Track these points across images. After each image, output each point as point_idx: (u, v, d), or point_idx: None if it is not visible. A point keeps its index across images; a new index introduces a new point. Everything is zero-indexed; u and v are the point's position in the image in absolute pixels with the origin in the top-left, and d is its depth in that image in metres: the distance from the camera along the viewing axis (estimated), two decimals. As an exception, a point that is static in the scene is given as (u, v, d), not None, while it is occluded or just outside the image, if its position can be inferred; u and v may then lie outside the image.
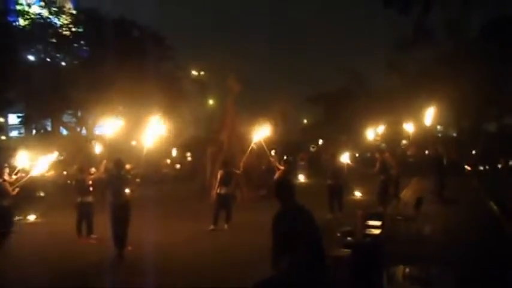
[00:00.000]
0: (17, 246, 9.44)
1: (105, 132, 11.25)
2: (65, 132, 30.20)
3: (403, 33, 27.83)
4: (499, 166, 23.27)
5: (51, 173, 20.38)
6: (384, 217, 7.23)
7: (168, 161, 28.13)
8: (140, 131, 9.72)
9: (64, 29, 25.85)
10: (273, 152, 14.23)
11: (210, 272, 6.83)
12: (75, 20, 26.28)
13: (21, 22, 25.42)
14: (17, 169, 11.92)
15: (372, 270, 4.72)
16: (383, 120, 18.13)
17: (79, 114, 27.19)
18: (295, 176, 19.26)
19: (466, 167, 21.60)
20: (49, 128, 29.23)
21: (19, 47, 24.07)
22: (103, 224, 8.30)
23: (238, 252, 7.85)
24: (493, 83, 26.46)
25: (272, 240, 3.86)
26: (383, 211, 8.43)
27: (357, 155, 31.16)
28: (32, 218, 13.19)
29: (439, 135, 33.76)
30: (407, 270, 5.20)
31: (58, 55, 26.40)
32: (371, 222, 6.77)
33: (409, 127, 16.74)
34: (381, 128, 16.65)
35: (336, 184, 10.90)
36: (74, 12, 27.53)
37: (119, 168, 8.08)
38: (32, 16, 25.51)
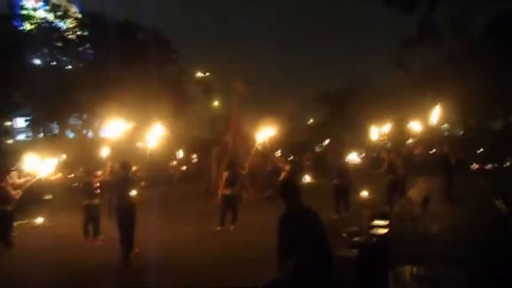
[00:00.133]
0: (24, 248, 9.52)
1: (110, 134, 11.30)
2: (71, 135, 30.39)
3: (409, 31, 27.78)
4: (507, 164, 23.09)
5: (59, 175, 20.57)
6: (391, 217, 7.19)
7: (174, 162, 28.21)
8: (146, 133, 9.76)
9: (69, 32, 26.04)
10: (278, 153, 14.25)
11: (216, 272, 6.83)
12: (80, 24, 26.47)
13: (27, 26, 25.64)
14: (24, 172, 12.05)
15: (378, 270, 4.70)
16: (389, 119, 18.01)
17: (85, 116, 27.36)
18: (301, 177, 19.22)
19: (473, 165, 21.47)
20: (56, 131, 29.42)
21: (25, 51, 24.30)
22: (110, 226, 8.33)
23: (244, 253, 7.85)
24: (499, 81, 26.28)
25: (278, 241, 3.86)
26: (389, 211, 8.38)
27: (362, 154, 31.15)
28: (39, 220, 13.25)
29: (445, 133, 33.58)
30: (414, 270, 5.16)
31: (64, 58, 26.60)
32: (377, 222, 6.73)
33: (416, 126, 16.65)
34: (386, 127, 16.54)
35: (341, 184, 10.86)
36: (79, 16, 27.70)
37: (125, 171, 8.08)
38: (38, 20, 25.72)
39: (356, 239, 5.98)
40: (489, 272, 5.67)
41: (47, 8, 27.78)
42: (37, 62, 26.16)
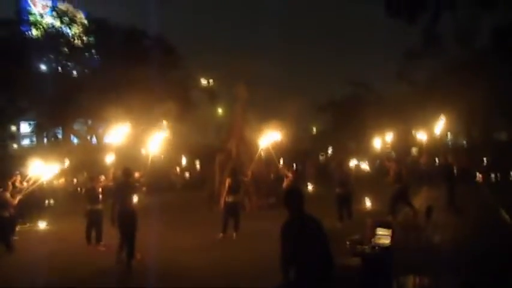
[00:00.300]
0: (26, 253, 9.54)
1: (115, 140, 11.35)
2: (75, 140, 30.52)
3: (413, 41, 27.82)
4: (511, 175, 22.98)
5: (62, 181, 20.65)
6: (394, 226, 7.16)
7: (178, 169, 28.23)
8: (149, 139, 9.78)
9: (75, 38, 26.25)
10: (281, 160, 14.25)
11: (218, 280, 6.82)
12: (87, 30, 26.68)
13: (34, 32, 25.87)
14: (28, 177, 12.10)
15: (381, 279, 4.68)
16: (392, 128, 18.03)
17: (89, 122, 27.49)
18: (304, 185, 19.19)
19: (477, 175, 21.38)
20: (60, 136, 29.56)
21: (31, 56, 24.48)
22: (112, 232, 8.33)
23: (247, 261, 7.83)
24: (503, 93, 26.24)
25: (281, 248, 3.86)
26: (393, 220, 8.35)
27: (366, 163, 31.09)
28: (42, 225, 13.29)
29: (449, 144, 33.50)
30: (417, 279, 5.13)
31: (69, 64, 26.79)
32: (380, 231, 6.70)
33: (421, 135, 16.65)
34: (390, 136, 16.55)
35: (344, 192, 10.83)
36: (86, 22, 27.93)
37: (126, 177, 8.07)
38: (45, 26, 25.95)
39: (358, 247, 5.96)
40: (492, 283, 5.64)
41: (54, 14, 28.09)
42: (43, 67, 26.36)
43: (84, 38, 26.46)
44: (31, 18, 27.92)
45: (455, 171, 13.57)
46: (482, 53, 26.87)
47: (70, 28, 26.81)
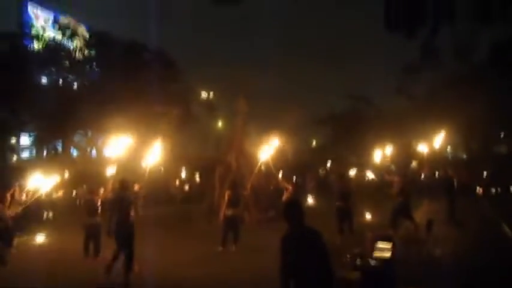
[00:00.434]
0: (24, 266, 9.45)
1: (114, 152, 11.35)
2: (75, 153, 30.52)
3: (412, 56, 28.06)
4: (511, 188, 22.93)
5: (60, 194, 20.58)
6: (394, 239, 7.12)
7: (177, 181, 28.14)
8: (149, 152, 9.77)
9: (77, 52, 26.44)
10: (280, 173, 14.21)
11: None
12: (88, 43, 26.88)
13: (36, 45, 26.05)
14: (27, 189, 12.09)
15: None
16: (392, 141, 18.04)
17: (89, 134, 27.52)
18: (304, 198, 19.12)
19: (477, 189, 21.35)
20: (60, 149, 29.56)
21: (33, 69, 24.62)
22: (111, 245, 8.27)
23: (246, 274, 7.77)
24: (502, 106, 26.34)
25: (281, 261, 3.83)
26: (394, 233, 8.30)
27: (366, 177, 31.02)
28: (40, 238, 13.21)
29: (449, 157, 33.50)
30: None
31: (70, 77, 26.92)
32: (381, 245, 6.67)
33: (421, 149, 16.64)
34: (390, 150, 16.54)
35: (344, 206, 10.75)
36: (87, 35, 28.16)
37: (123, 189, 8.00)
38: (46, 39, 26.17)
39: (358, 261, 5.92)
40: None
41: (56, 27, 28.37)
42: (44, 80, 26.48)
43: (85, 51, 26.64)
44: (33, 31, 28.18)
45: (455, 184, 13.54)
46: (481, 68, 27.09)
47: (71, 41, 27.02)
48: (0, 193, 10.16)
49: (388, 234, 7.43)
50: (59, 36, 26.91)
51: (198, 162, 31.57)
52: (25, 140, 34.03)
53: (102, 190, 10.71)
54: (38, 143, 29.35)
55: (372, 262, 5.82)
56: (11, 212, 9.51)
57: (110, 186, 10.33)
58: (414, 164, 27.46)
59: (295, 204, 4.16)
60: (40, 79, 26.16)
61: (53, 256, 10.40)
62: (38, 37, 26.50)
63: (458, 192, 13.64)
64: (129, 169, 13.22)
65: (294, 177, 22.88)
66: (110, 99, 23.03)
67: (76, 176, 23.65)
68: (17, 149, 31.80)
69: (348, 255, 6.15)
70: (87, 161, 26.08)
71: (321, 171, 34.05)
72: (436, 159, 20.43)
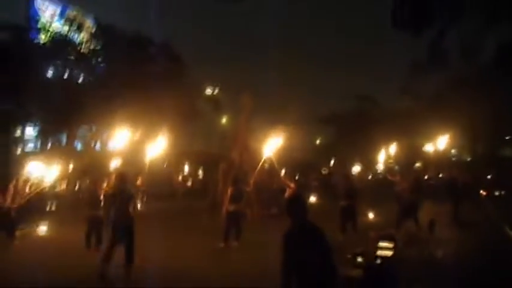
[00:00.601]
0: (25, 257, 9.50)
1: (118, 146, 11.36)
2: (79, 146, 30.61)
3: (418, 56, 27.89)
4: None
5: (63, 187, 20.68)
6: (397, 239, 7.10)
7: (180, 177, 28.23)
8: (152, 146, 9.75)
9: (83, 45, 26.46)
10: (283, 171, 14.21)
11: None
12: (94, 37, 26.89)
13: (42, 38, 26.08)
14: (31, 182, 12.12)
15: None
16: (396, 142, 17.97)
17: (93, 128, 27.57)
18: (307, 196, 19.11)
19: (481, 191, 21.24)
20: (64, 142, 29.65)
21: (39, 62, 24.66)
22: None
23: (247, 270, 7.76)
24: (508, 108, 26.18)
25: (282, 257, 3.82)
26: (396, 233, 8.26)
27: (369, 177, 30.99)
28: (43, 230, 13.28)
29: (453, 159, 33.36)
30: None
31: (76, 71, 26.96)
32: (383, 244, 6.65)
33: (426, 150, 16.59)
34: (393, 150, 16.49)
35: (349, 205, 10.71)
36: (93, 29, 28.16)
37: (122, 182, 7.90)
38: (53, 33, 26.19)
39: (360, 259, 5.90)
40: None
41: (62, 21, 28.42)
42: (50, 73, 26.54)
43: (91, 44, 26.66)
44: (40, 24, 28.19)
45: (459, 186, 13.49)
46: (488, 69, 26.90)
47: (78, 35, 27.05)
48: (3, 184, 10.19)
49: (390, 233, 7.40)
50: (65, 29, 26.92)
51: (201, 158, 31.66)
52: (30, 132, 34.23)
53: (105, 183, 10.73)
54: (43, 136, 29.44)
55: (373, 261, 5.80)
56: (14, 204, 9.48)
57: (112, 179, 10.32)
58: (418, 164, 27.36)
59: (298, 200, 4.14)
60: (46, 72, 26.21)
61: (55, 247, 10.47)
62: (44, 30, 26.52)
63: (462, 194, 13.58)
64: (132, 163, 13.23)
65: (296, 175, 22.88)
66: (115, 93, 23.04)
67: (80, 169, 23.75)
68: (21, 141, 31.91)
69: (350, 254, 6.14)
70: (91, 154, 26.14)
71: (323, 171, 34.03)
72: (440, 161, 20.36)
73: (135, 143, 10.11)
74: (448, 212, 12.68)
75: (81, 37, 26.95)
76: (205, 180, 26.85)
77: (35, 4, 38.42)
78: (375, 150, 18.36)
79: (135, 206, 8.69)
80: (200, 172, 30.90)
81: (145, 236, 8.36)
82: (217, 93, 36.27)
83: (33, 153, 29.68)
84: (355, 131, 35.03)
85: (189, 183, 28.53)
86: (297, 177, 21.89)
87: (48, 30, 26.50)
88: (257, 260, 8.35)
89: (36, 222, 13.68)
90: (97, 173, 15.69)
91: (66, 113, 23.70)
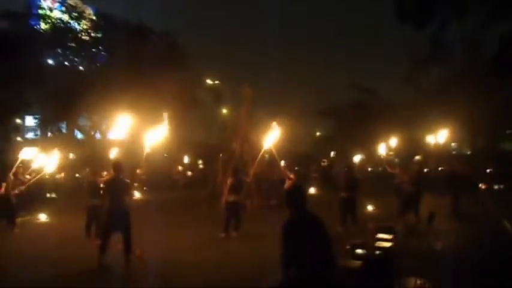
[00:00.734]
0: (25, 245, 9.54)
1: (117, 135, 11.33)
2: (79, 135, 30.60)
3: (420, 48, 27.77)
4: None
5: (62, 175, 20.69)
6: (396, 231, 7.12)
7: (180, 167, 28.25)
8: (153, 136, 9.73)
9: (83, 34, 26.33)
10: (282, 163, 14.19)
11: (218, 279, 6.78)
12: (95, 26, 26.75)
13: (43, 26, 25.94)
14: (30, 169, 12.15)
15: (381, 282, 4.64)
16: (396, 134, 17.93)
17: (94, 118, 27.53)
18: (306, 188, 19.13)
19: (480, 185, 21.27)
20: (64, 131, 29.63)
21: (39, 50, 24.55)
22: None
23: (247, 260, 7.79)
24: (509, 102, 26.13)
25: (282, 247, 3.83)
26: (396, 224, 8.29)
27: (369, 169, 31.00)
28: (42, 218, 13.31)
29: (453, 152, 33.34)
30: (417, 282, 5.08)
31: (76, 59, 26.85)
32: (382, 236, 6.68)
33: (427, 142, 16.54)
34: (394, 142, 16.44)
35: (349, 197, 10.71)
36: (94, 17, 28.01)
37: (117, 172, 7.85)
38: (53, 20, 26.04)
39: (359, 251, 5.93)
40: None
41: (63, 8, 28.24)
42: (50, 61, 26.45)
43: (92, 33, 26.53)
44: (40, 12, 28.04)
45: (459, 178, 13.51)
46: (490, 62, 26.79)
47: (78, 23, 26.91)
48: (3, 173, 10.19)
49: (389, 225, 7.43)
50: (66, 18, 26.77)
51: (201, 148, 31.67)
52: (30, 120, 34.23)
53: (105, 173, 10.74)
54: (42, 124, 29.43)
55: (372, 252, 5.83)
56: (14, 191, 9.46)
57: (111, 169, 10.31)
58: (418, 157, 27.31)
59: (297, 190, 4.14)
60: (46, 60, 26.11)
61: (55, 236, 10.50)
62: (45, 18, 26.37)
63: (462, 187, 13.60)
64: (131, 152, 13.23)
65: (296, 168, 22.88)
66: (115, 83, 22.95)
67: (80, 158, 23.78)
68: (21, 129, 31.91)
69: (349, 245, 6.16)
70: (91, 143, 26.14)
71: (323, 163, 34.03)
72: (440, 154, 20.31)
73: (135, 133, 10.06)
74: (447, 205, 12.70)
75: (81, 25, 26.80)
76: (205, 170, 26.87)
77: (36, -9, 38.25)
78: (375, 143, 18.30)
79: (130, 195, 8.67)
80: (200, 162, 30.91)
81: (145, 225, 8.39)
82: (218, 84, 36.17)
83: (33, 142, 29.70)
84: (355, 123, 34.94)
85: (189, 173, 28.55)
86: (296, 169, 21.86)
87: (49, 18, 26.33)
88: (256, 250, 8.38)
89: (36, 209, 13.71)
90: (97, 162, 15.70)
91: (66, 102, 23.64)
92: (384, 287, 4.59)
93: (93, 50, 26.81)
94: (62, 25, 26.03)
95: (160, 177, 26.55)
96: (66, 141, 26.07)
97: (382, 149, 15.70)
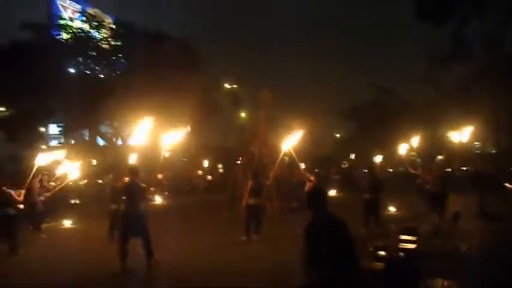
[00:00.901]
0: (50, 250, 9.75)
1: (138, 142, 11.48)
2: (101, 142, 31.11)
3: (441, 46, 27.33)
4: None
5: (85, 181, 21.05)
6: (419, 232, 7.01)
7: (200, 172, 28.41)
8: (173, 141, 9.82)
9: (103, 42, 26.79)
10: (302, 165, 14.14)
11: (239, 282, 6.78)
12: (114, 34, 27.19)
13: (64, 36, 26.50)
14: (55, 177, 12.42)
15: (405, 284, 4.57)
16: (417, 134, 17.65)
17: (115, 124, 27.94)
18: (327, 190, 18.98)
19: (505, 184, 20.76)
20: (86, 138, 30.16)
21: (61, 59, 25.08)
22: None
23: (268, 263, 7.78)
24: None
25: (304, 250, 3.81)
26: (418, 226, 8.16)
27: (390, 169, 30.58)
28: (67, 223, 13.57)
29: (477, 151, 32.65)
30: (444, 283, 4.99)
31: (97, 68, 27.33)
32: (405, 237, 6.58)
33: (449, 142, 16.24)
34: (415, 142, 16.20)
35: (373, 198, 10.61)
36: (113, 26, 28.48)
37: (133, 177, 7.93)
38: (74, 30, 26.58)
39: (382, 253, 5.85)
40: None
41: (83, 18, 28.83)
42: (72, 70, 26.98)
43: (112, 41, 26.98)
44: (61, 22, 28.66)
45: (484, 178, 13.25)
46: (511, 59, 26.20)
47: (98, 32, 27.39)
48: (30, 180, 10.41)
49: (413, 226, 7.32)
50: (86, 27, 27.30)
51: (221, 152, 31.79)
52: (53, 128, 34.99)
53: (127, 178, 10.88)
54: (66, 132, 30.04)
55: (395, 254, 5.75)
56: (20, 197, 9.49)
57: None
58: (440, 157, 26.83)
59: (318, 192, 4.12)
60: (68, 69, 26.65)
61: (80, 241, 10.71)
62: (66, 28, 26.93)
63: (486, 186, 13.33)
64: (152, 158, 13.37)
65: (317, 170, 22.74)
66: (136, 90, 23.25)
67: (103, 165, 24.16)
68: (45, 137, 32.61)
69: (371, 247, 6.09)
70: (113, 150, 26.53)
71: (343, 165, 33.71)
72: (463, 153, 19.92)
73: (156, 138, 10.18)
74: (472, 205, 12.46)
75: (101, 34, 27.29)
76: (225, 174, 26.96)
77: (56, 2, 39.15)
78: (395, 143, 18.07)
79: (146, 200, 8.73)
80: (220, 166, 31.02)
81: (167, 230, 8.46)
82: (236, 88, 36.29)
83: (57, 149, 30.32)
84: (374, 123, 34.57)
85: (209, 178, 28.69)
86: (316, 171, 21.73)
87: (70, 28, 26.89)
88: (277, 253, 8.36)
89: (60, 215, 13.98)
90: (119, 168, 15.93)
91: (88, 109, 24.06)
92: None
93: (113, 58, 27.22)
94: (82, 34, 26.53)
95: (181, 182, 26.75)
96: (89, 148, 26.54)
97: (402, 149, 15.51)
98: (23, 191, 9.52)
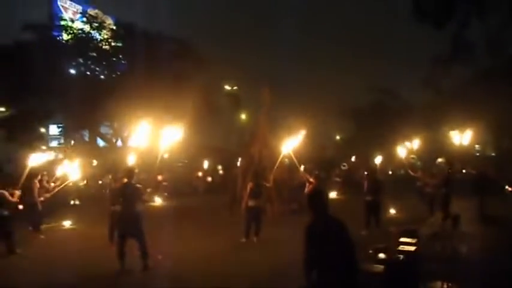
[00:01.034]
0: (50, 251, 9.73)
1: (138, 143, 11.49)
2: (101, 143, 31.10)
3: (440, 48, 27.31)
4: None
5: (85, 182, 21.06)
6: (419, 234, 7.00)
7: (200, 173, 28.38)
8: (172, 142, 9.82)
9: (104, 43, 26.80)
10: (302, 168, 14.14)
11: (239, 284, 6.77)
12: (115, 35, 27.20)
13: (65, 37, 26.52)
14: (55, 177, 12.42)
15: (405, 286, 4.56)
16: (417, 136, 17.67)
17: (115, 125, 27.94)
18: (328, 192, 18.95)
19: (506, 187, 20.76)
20: (86, 139, 30.15)
21: (62, 60, 25.09)
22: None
23: (268, 265, 7.77)
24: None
25: (304, 251, 3.80)
26: (418, 228, 8.15)
27: (390, 171, 30.58)
28: (66, 224, 13.55)
29: (477, 154, 32.65)
30: (445, 286, 4.98)
31: (98, 68, 27.34)
32: (405, 240, 6.58)
33: (450, 144, 16.25)
34: (415, 145, 16.21)
35: (374, 200, 10.67)
36: (114, 27, 28.50)
37: (129, 178, 7.96)
38: (75, 31, 26.60)
39: (381, 255, 5.85)
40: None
41: (84, 19, 28.85)
42: (72, 71, 26.97)
43: (112, 42, 26.98)
44: (62, 23, 28.67)
45: (484, 181, 13.25)
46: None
47: (99, 33, 27.39)
48: (28, 180, 10.41)
49: (413, 228, 7.31)
50: (87, 28, 27.31)
51: (221, 154, 31.79)
52: (53, 129, 34.99)
53: (125, 179, 10.87)
54: (66, 133, 30.03)
55: (395, 256, 5.73)
56: (14, 198, 9.46)
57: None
58: (440, 159, 26.82)
59: (319, 194, 4.12)
60: (68, 70, 26.65)
61: (79, 242, 10.69)
62: (66, 29, 26.94)
63: (487, 189, 13.33)
64: (152, 159, 13.37)
65: (317, 172, 22.72)
66: (136, 91, 23.25)
67: (103, 165, 24.15)
68: (45, 138, 32.58)
69: (371, 249, 6.09)
70: (113, 151, 26.51)
71: (343, 167, 33.70)
72: (463, 156, 19.93)
73: (156, 139, 10.18)
74: (472, 207, 12.45)
75: (102, 35, 27.30)
76: (225, 176, 26.93)
77: (57, 3, 39.23)
78: (395, 145, 18.08)
79: (142, 201, 8.75)
80: (220, 168, 31.00)
81: (166, 231, 8.45)
82: (236, 90, 36.30)
83: (57, 150, 30.33)
84: (375, 125, 34.59)
85: (209, 179, 28.66)
86: (317, 173, 21.73)
87: (71, 29, 26.90)
88: (277, 255, 8.35)
89: (60, 216, 13.96)
90: (119, 169, 15.92)
91: (88, 110, 24.05)
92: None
93: (114, 59, 27.21)
94: (83, 35, 26.54)
95: (181, 183, 26.73)
96: (89, 149, 26.55)
97: (402, 151, 15.50)
98: (17, 192, 9.48)
